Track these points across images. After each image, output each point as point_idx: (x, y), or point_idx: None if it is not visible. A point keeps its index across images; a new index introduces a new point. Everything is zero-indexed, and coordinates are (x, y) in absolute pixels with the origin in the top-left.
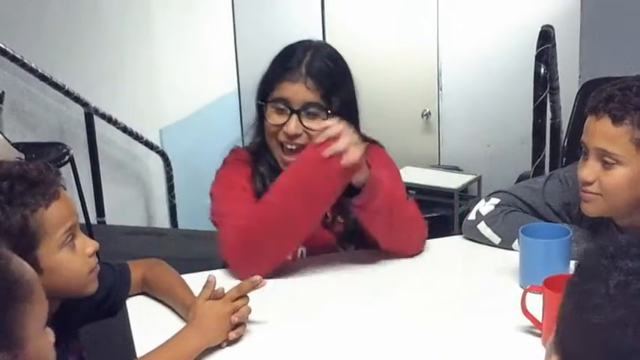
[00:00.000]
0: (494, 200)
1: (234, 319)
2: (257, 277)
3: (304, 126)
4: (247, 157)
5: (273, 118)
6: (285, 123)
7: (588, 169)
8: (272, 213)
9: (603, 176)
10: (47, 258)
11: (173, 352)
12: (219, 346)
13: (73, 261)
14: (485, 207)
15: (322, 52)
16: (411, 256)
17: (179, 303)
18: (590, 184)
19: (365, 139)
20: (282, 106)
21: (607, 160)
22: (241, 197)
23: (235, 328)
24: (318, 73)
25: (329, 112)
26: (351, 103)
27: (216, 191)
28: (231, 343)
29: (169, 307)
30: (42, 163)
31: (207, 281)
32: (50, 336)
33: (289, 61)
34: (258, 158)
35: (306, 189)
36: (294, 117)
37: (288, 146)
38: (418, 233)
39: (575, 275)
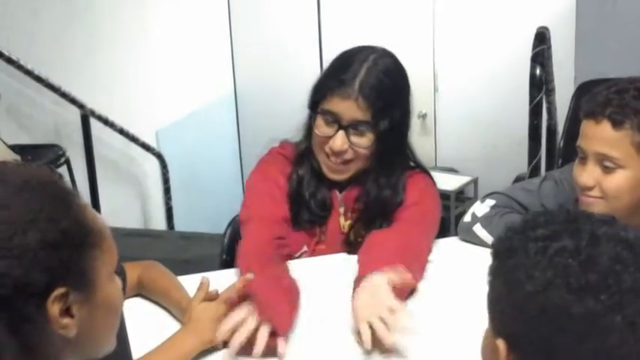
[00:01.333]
0: (490, 202)
1: None
2: (250, 276)
3: (350, 142)
4: (292, 153)
5: (321, 129)
6: (332, 136)
7: (588, 174)
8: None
9: (604, 180)
10: None
11: (169, 353)
12: (214, 348)
13: None
14: (480, 208)
15: (380, 67)
16: None
17: (174, 305)
18: (590, 188)
19: (415, 166)
20: (330, 119)
21: (607, 165)
22: (270, 196)
23: None
24: (370, 92)
25: (377, 132)
26: (402, 121)
27: (250, 183)
28: (226, 344)
29: (165, 308)
30: (44, 165)
31: (201, 283)
32: (119, 282)
33: (344, 73)
34: (301, 159)
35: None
36: (341, 133)
37: (333, 159)
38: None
39: (494, 260)
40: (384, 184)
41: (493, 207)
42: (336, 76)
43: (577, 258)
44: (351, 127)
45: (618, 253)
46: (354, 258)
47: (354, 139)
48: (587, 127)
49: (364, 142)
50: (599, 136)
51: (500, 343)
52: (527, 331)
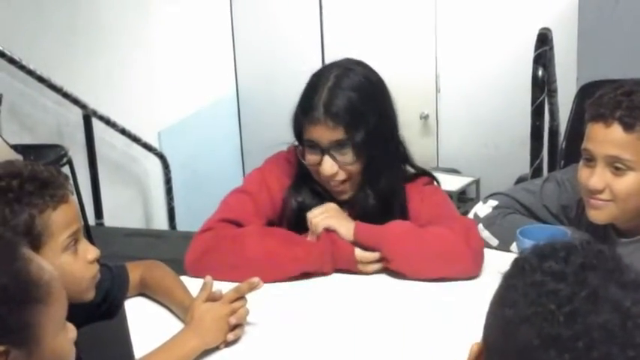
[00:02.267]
0: (492, 202)
1: (232, 320)
2: (255, 279)
3: (338, 162)
4: (297, 163)
5: (309, 159)
6: (319, 163)
7: (597, 177)
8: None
9: (614, 183)
10: (50, 260)
11: (171, 353)
12: (217, 348)
13: (75, 265)
14: (483, 209)
15: (342, 83)
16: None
17: (177, 304)
18: (600, 191)
19: (419, 172)
20: (313, 148)
21: (618, 167)
22: (254, 205)
23: (233, 330)
24: (337, 111)
25: (356, 145)
26: (381, 127)
27: (247, 180)
28: (229, 344)
29: (167, 308)
30: (52, 166)
31: (205, 283)
32: (71, 332)
33: (310, 101)
34: (301, 183)
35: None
36: (326, 158)
37: (332, 183)
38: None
39: (509, 269)
40: (371, 194)
41: (495, 208)
42: (303, 106)
43: (562, 308)
44: (331, 149)
45: (607, 322)
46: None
47: (340, 158)
48: (596, 130)
49: (348, 158)
50: (609, 139)
51: (477, 346)
52: (497, 349)
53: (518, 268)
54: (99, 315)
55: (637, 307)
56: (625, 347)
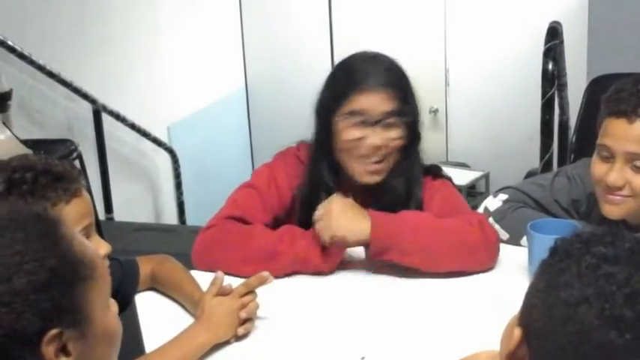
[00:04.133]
0: (502, 196)
1: (243, 314)
2: (265, 273)
3: (385, 137)
4: (308, 156)
5: (350, 133)
6: (363, 137)
7: (617, 174)
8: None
9: (635, 179)
10: None
11: (181, 348)
12: (227, 342)
13: None
14: (493, 203)
15: (387, 61)
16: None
17: (187, 299)
18: (620, 188)
19: (429, 170)
20: (357, 120)
21: (638, 165)
22: (261, 201)
23: (243, 324)
24: (395, 80)
25: (406, 120)
26: (418, 110)
27: (255, 175)
28: (239, 338)
29: (178, 302)
30: (66, 160)
31: (215, 277)
32: (114, 307)
33: (359, 72)
34: (314, 178)
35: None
36: (375, 129)
37: (373, 159)
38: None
39: (549, 257)
40: (402, 180)
41: (505, 202)
42: (352, 77)
43: (622, 289)
44: (382, 122)
45: None
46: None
47: (387, 133)
48: (617, 126)
49: (395, 133)
50: (631, 135)
51: (517, 332)
52: (547, 333)
53: (563, 253)
54: None
55: None
56: None
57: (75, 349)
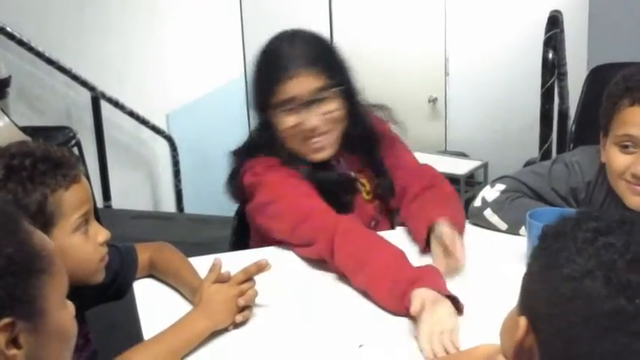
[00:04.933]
0: (500, 186)
1: (241, 302)
2: (264, 261)
3: (321, 113)
4: (278, 162)
5: (288, 121)
6: (301, 122)
7: None
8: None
9: None
10: (61, 239)
11: (180, 335)
12: (225, 329)
13: (85, 246)
14: (490, 193)
15: (305, 37)
16: None
17: (186, 286)
18: None
19: (373, 106)
20: (291, 106)
21: None
22: (302, 193)
23: (242, 311)
24: (315, 56)
25: (337, 89)
26: (349, 71)
27: (270, 195)
28: (237, 325)
29: (176, 290)
30: (64, 147)
31: (213, 264)
32: (71, 308)
33: (280, 59)
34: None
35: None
36: (310, 110)
37: (315, 139)
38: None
39: (540, 242)
40: (363, 127)
41: (503, 192)
42: (274, 66)
43: (624, 256)
44: (315, 100)
45: None
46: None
47: (323, 108)
48: None
49: (332, 106)
50: None
51: (522, 320)
52: (554, 314)
53: (554, 235)
54: (108, 296)
55: None
56: None
57: (27, 342)
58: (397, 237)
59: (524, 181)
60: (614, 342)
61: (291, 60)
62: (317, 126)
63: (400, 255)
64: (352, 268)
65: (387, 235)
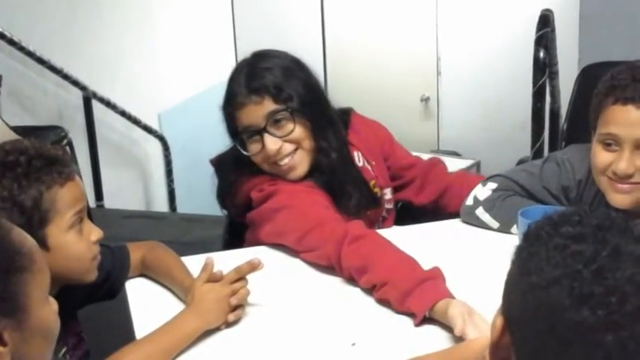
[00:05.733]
0: (492, 185)
1: (233, 301)
2: (256, 260)
3: (279, 136)
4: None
5: (252, 148)
6: (262, 148)
7: (627, 162)
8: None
9: None
10: (56, 237)
11: (172, 334)
12: (217, 329)
13: (79, 244)
14: (482, 192)
15: (256, 64)
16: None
17: (178, 285)
18: (631, 176)
19: (341, 111)
20: (251, 133)
21: None
22: (319, 204)
23: (234, 311)
24: (258, 85)
25: (289, 110)
26: (310, 89)
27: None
28: (229, 325)
29: (168, 289)
30: (58, 145)
31: (206, 264)
32: (54, 304)
33: (232, 90)
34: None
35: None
36: (266, 135)
37: (281, 163)
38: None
39: (522, 242)
40: (328, 148)
41: (495, 190)
42: (228, 97)
43: (590, 266)
44: (269, 125)
45: (634, 275)
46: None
47: (279, 132)
48: (624, 113)
49: (288, 128)
50: None
51: (499, 320)
52: (523, 319)
53: (534, 237)
54: (100, 295)
55: None
56: None
57: (11, 339)
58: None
59: (516, 180)
60: (577, 353)
61: (240, 89)
62: (277, 150)
63: (410, 258)
64: (359, 267)
65: (388, 233)
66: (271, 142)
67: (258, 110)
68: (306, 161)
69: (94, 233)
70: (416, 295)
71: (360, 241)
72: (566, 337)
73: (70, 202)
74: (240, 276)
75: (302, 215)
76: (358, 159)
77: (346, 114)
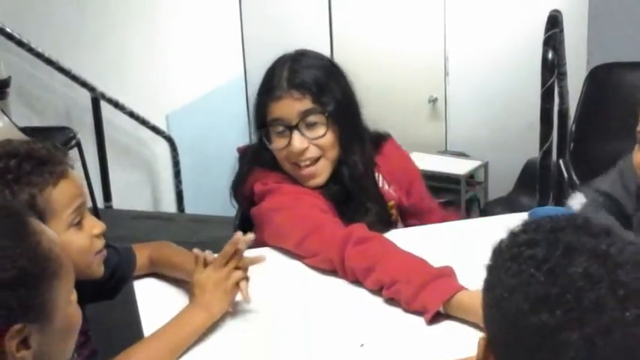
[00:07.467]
0: (581, 198)
1: (229, 283)
2: (238, 240)
3: (308, 138)
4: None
5: (277, 142)
6: (287, 144)
7: None
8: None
9: None
10: None
11: (178, 330)
12: (225, 329)
13: (80, 240)
14: (573, 204)
15: (300, 61)
16: None
17: (190, 275)
18: None
19: (377, 134)
20: (280, 128)
21: None
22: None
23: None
24: (301, 82)
25: (326, 114)
26: (348, 98)
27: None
28: (238, 326)
29: (177, 288)
30: (50, 142)
31: (195, 256)
32: (74, 295)
33: (271, 81)
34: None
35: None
36: (295, 133)
37: (302, 163)
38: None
39: (490, 257)
40: (353, 163)
41: (584, 205)
42: (266, 88)
43: (542, 269)
44: (301, 123)
45: (588, 268)
46: None
47: (309, 133)
48: None
49: (319, 131)
50: None
51: (482, 339)
52: (495, 333)
53: (495, 251)
54: (105, 292)
55: (613, 247)
56: (613, 288)
57: (34, 342)
58: (401, 238)
59: (597, 187)
60: (544, 356)
61: (281, 82)
62: (303, 150)
63: (419, 257)
64: (366, 267)
65: (392, 234)
66: (299, 142)
67: (295, 106)
68: (328, 171)
69: (97, 227)
70: (430, 289)
71: (367, 243)
72: (532, 344)
73: (66, 201)
74: (226, 258)
75: (300, 219)
76: (380, 181)
77: (382, 138)
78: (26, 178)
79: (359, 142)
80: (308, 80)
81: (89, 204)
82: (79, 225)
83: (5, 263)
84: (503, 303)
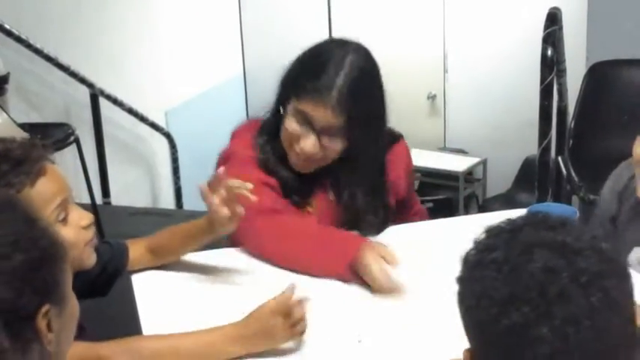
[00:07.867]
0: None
1: (289, 333)
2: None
3: (322, 145)
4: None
5: (292, 127)
6: (302, 137)
7: None
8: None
9: None
10: None
11: (202, 348)
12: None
13: (67, 236)
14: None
15: (354, 72)
16: None
17: (197, 230)
18: None
19: (390, 134)
20: (302, 120)
21: None
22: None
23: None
24: (347, 100)
25: (349, 136)
26: (375, 112)
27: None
28: (231, 309)
29: (176, 286)
30: (27, 139)
31: (285, 296)
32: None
33: (320, 77)
34: (269, 146)
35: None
36: (313, 137)
37: (302, 158)
38: None
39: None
40: (360, 195)
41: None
42: (312, 78)
43: (503, 270)
44: (324, 132)
45: (549, 261)
46: None
47: (326, 142)
48: None
49: (336, 145)
50: None
51: (466, 353)
52: (474, 343)
53: (462, 263)
54: (97, 288)
55: (570, 237)
56: (575, 276)
57: (55, 324)
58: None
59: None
60: (521, 355)
61: (329, 88)
62: (311, 152)
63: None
64: (277, 234)
65: (389, 233)
66: (310, 145)
67: (330, 118)
68: (321, 164)
69: (84, 218)
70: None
71: (276, 215)
72: (508, 346)
73: (47, 198)
74: (288, 305)
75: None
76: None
77: (395, 139)
78: (3, 181)
79: (370, 167)
80: (354, 99)
81: (88, 200)
82: (64, 221)
83: (28, 245)
84: (473, 312)
